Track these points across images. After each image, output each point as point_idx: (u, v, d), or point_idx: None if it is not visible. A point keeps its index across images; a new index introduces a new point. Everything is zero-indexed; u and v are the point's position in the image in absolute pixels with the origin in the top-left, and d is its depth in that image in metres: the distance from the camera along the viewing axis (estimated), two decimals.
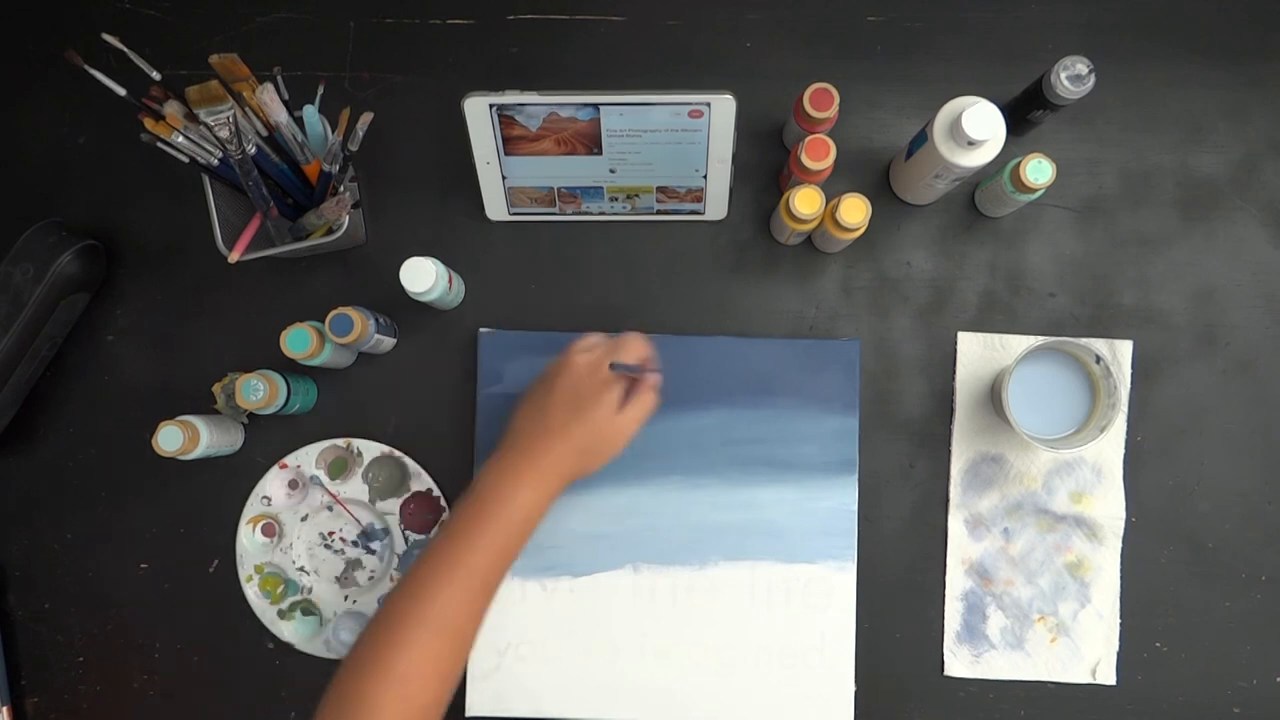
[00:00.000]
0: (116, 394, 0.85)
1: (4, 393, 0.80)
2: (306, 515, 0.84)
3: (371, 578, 0.84)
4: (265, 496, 0.83)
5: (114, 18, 0.86)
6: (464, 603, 0.66)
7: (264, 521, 0.83)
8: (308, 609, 0.83)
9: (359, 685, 0.63)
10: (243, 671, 0.83)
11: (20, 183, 0.86)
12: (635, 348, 0.74)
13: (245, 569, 0.83)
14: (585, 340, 0.75)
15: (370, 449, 0.83)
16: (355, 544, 0.84)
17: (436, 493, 0.83)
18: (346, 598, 0.83)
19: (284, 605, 0.83)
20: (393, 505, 0.83)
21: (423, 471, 0.83)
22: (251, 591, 0.83)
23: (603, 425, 0.71)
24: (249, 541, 0.83)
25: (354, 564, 0.84)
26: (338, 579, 0.84)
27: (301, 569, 0.84)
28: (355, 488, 0.83)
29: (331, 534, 0.84)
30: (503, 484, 0.70)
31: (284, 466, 0.83)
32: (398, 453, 0.83)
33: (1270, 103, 0.85)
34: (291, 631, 0.83)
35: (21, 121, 0.86)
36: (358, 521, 0.84)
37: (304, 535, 0.84)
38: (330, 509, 0.84)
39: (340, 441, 0.83)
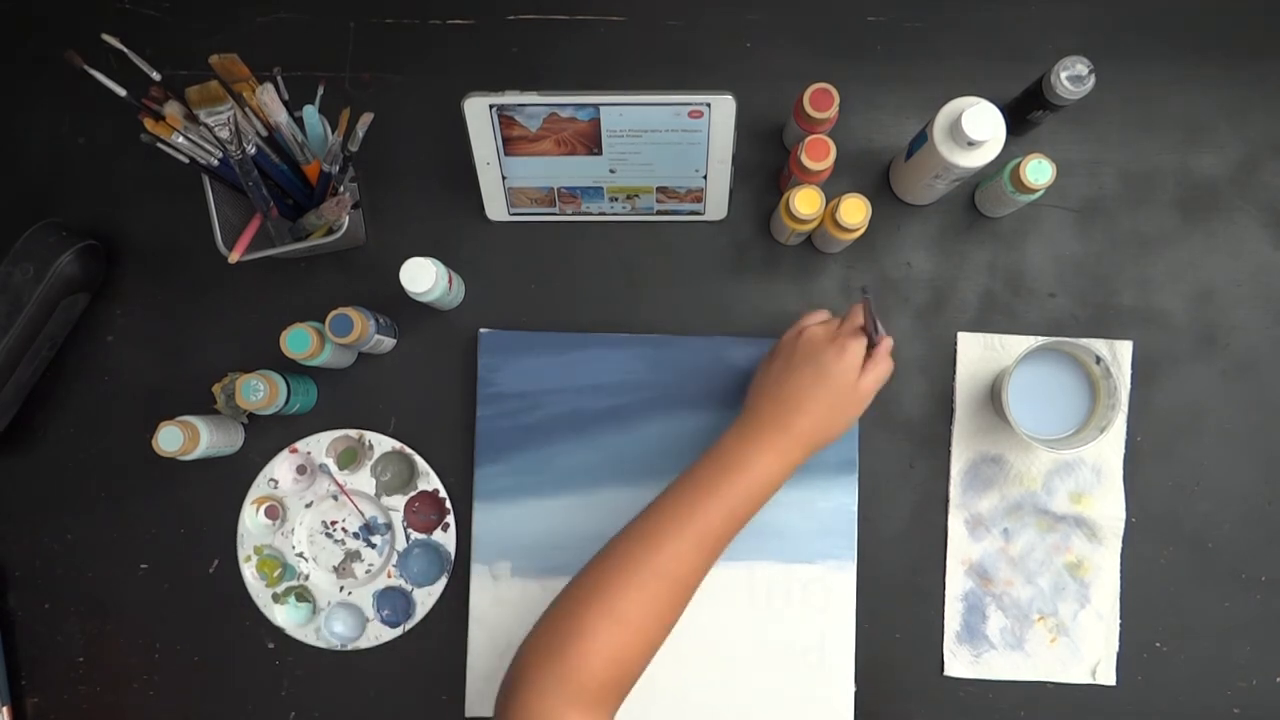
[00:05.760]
0: (116, 394, 0.85)
1: (4, 393, 0.80)
2: (311, 502, 0.84)
3: (369, 571, 0.84)
4: (272, 479, 0.83)
5: (114, 18, 0.86)
6: (691, 555, 0.68)
7: (268, 503, 0.83)
8: (302, 595, 0.83)
9: (579, 616, 0.65)
10: (243, 671, 0.84)
11: (20, 183, 0.86)
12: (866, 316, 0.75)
13: (245, 549, 0.83)
14: (815, 314, 0.76)
15: (382, 443, 0.83)
16: (357, 536, 0.84)
17: (443, 494, 0.83)
18: (342, 588, 0.83)
19: (279, 589, 0.83)
20: (398, 502, 0.83)
21: (431, 471, 0.83)
22: (249, 572, 0.83)
23: (845, 391, 0.71)
24: (251, 522, 0.83)
25: (353, 555, 0.84)
26: (335, 569, 0.84)
27: (300, 555, 0.83)
28: (363, 480, 0.83)
29: (334, 523, 0.84)
30: (745, 449, 0.70)
31: (294, 451, 0.83)
32: (409, 450, 0.83)
33: (1270, 103, 0.85)
34: (284, 616, 0.83)
35: (21, 121, 0.86)
36: (361, 514, 0.84)
37: (306, 521, 0.84)
38: (335, 498, 0.84)
39: (353, 432, 0.83)
